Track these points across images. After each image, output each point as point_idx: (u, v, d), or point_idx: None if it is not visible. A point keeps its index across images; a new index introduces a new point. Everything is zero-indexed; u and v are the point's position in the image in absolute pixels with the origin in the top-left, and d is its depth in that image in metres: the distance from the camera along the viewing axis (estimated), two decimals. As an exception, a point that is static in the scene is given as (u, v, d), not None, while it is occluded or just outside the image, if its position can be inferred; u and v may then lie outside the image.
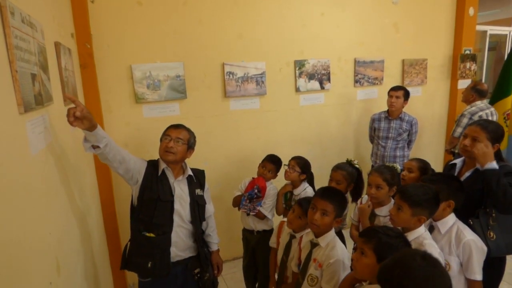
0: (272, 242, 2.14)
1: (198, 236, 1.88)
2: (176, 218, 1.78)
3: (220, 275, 2.90)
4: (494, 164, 1.69)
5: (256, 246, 2.45)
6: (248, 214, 2.38)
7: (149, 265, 1.71)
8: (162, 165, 1.79)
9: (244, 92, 3.02)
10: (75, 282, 1.37)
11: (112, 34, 2.53)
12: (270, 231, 2.38)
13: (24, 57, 1.00)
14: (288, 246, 1.93)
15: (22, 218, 0.91)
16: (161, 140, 1.82)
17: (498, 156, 1.81)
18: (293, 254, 1.87)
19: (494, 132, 1.78)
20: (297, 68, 3.22)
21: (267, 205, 2.38)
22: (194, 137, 1.91)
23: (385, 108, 3.29)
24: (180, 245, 1.81)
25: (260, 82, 3.06)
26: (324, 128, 3.49)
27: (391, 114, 3.24)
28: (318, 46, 3.29)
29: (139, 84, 2.63)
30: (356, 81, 3.56)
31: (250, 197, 2.35)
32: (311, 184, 2.46)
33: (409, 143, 3.34)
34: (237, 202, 2.47)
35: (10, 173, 0.87)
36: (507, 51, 4.55)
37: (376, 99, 3.70)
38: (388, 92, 3.22)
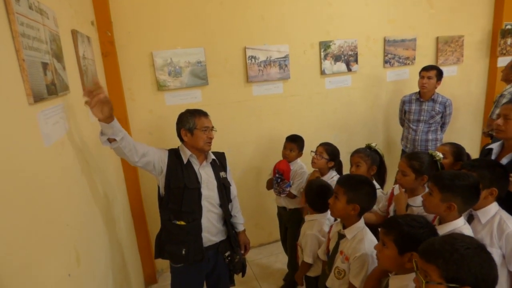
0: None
1: (228, 219, 1.89)
2: (205, 203, 1.78)
3: (246, 262, 2.94)
4: None
5: (287, 223, 2.52)
6: (279, 195, 2.43)
7: (183, 252, 1.73)
8: (187, 153, 1.78)
9: (267, 76, 2.92)
10: (98, 271, 1.37)
11: (132, 21, 2.50)
12: (302, 209, 2.41)
13: (33, 46, 0.97)
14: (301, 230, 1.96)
15: (36, 211, 0.89)
16: (191, 130, 1.76)
17: None
18: (302, 235, 1.93)
19: None
20: (322, 50, 3.07)
21: (296, 185, 2.41)
22: None
23: (417, 89, 3.10)
24: (211, 230, 1.82)
25: (283, 66, 2.96)
26: (351, 112, 3.34)
27: (423, 96, 3.05)
28: (344, 25, 3.11)
29: (160, 71, 2.61)
30: (385, 62, 3.36)
31: (277, 182, 2.38)
32: (339, 172, 2.38)
33: (443, 125, 3.14)
34: (269, 185, 2.55)
35: (21, 165, 0.84)
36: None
37: (408, 80, 3.49)
38: (420, 73, 3.02)
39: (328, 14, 3.03)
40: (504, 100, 3.15)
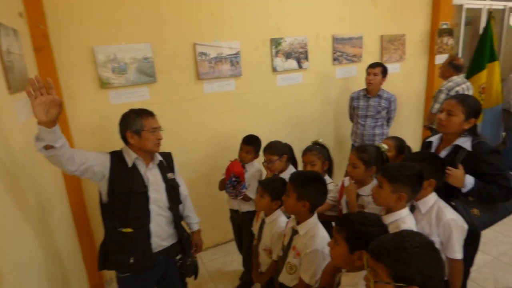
0: (254, 229, 2.08)
1: (178, 221, 1.81)
2: (153, 207, 1.69)
3: (202, 263, 2.88)
4: (468, 182, 1.68)
5: (241, 225, 2.47)
6: (235, 198, 2.36)
7: (131, 260, 1.63)
8: (132, 156, 1.67)
9: (218, 73, 2.86)
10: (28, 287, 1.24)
11: (70, 13, 2.30)
12: (255, 212, 2.34)
13: None
14: (260, 231, 1.90)
15: None
16: (138, 132, 1.65)
17: (473, 131, 1.78)
18: (263, 239, 1.84)
19: (471, 106, 1.74)
20: (273, 47, 3.08)
21: (252, 187, 2.34)
22: None
23: (365, 86, 3.22)
24: (161, 234, 1.74)
25: (234, 63, 2.92)
26: (303, 108, 3.40)
27: (370, 92, 3.18)
28: (294, 23, 3.15)
29: (103, 68, 2.44)
30: (334, 59, 3.46)
31: (232, 185, 2.30)
32: (295, 166, 2.41)
33: (388, 120, 3.30)
34: (222, 185, 2.45)
35: None
36: (482, 25, 4.54)
37: (355, 76, 3.63)
38: (366, 70, 3.15)
39: (278, 11, 3.04)
40: (442, 95, 3.39)
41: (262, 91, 3.12)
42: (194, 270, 1.92)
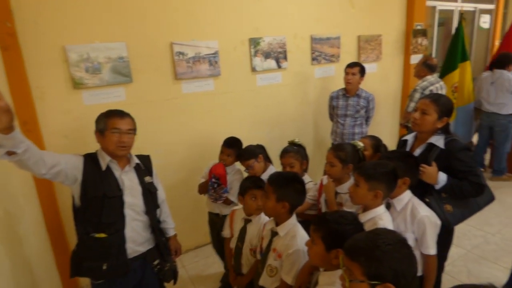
0: (226, 232, 2.04)
1: (155, 226, 1.77)
2: (129, 212, 1.64)
3: (182, 266, 2.84)
4: (441, 179, 1.73)
5: (221, 229, 2.37)
6: (216, 202, 2.31)
7: (105, 267, 1.57)
8: (106, 158, 1.62)
9: (196, 73, 2.83)
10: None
11: (40, 10, 2.20)
12: None
13: None
14: (242, 232, 1.86)
15: None
16: (102, 131, 1.61)
17: (446, 130, 1.83)
18: (249, 240, 1.81)
19: (444, 105, 1.80)
20: (252, 47, 3.07)
21: (234, 191, 2.30)
22: (135, 121, 1.75)
23: (343, 85, 3.26)
24: (137, 240, 1.68)
25: (213, 62, 2.89)
26: (283, 108, 3.41)
27: (349, 92, 3.22)
28: (273, 22, 3.15)
29: (76, 68, 2.35)
30: (313, 59, 3.49)
31: (213, 187, 2.26)
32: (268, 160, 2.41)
33: (367, 119, 3.35)
34: (202, 189, 2.40)
35: None
36: (454, 26, 4.69)
37: (334, 76, 3.67)
38: (345, 69, 3.19)
39: (257, 10, 3.03)
40: (417, 94, 3.49)
41: (241, 91, 3.11)
42: (173, 275, 1.87)
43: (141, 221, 1.70)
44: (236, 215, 1.94)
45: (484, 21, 5.68)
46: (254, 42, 3.06)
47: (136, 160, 1.74)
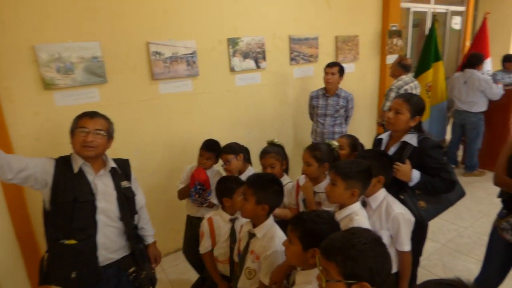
0: (206, 246, 1.90)
1: (131, 232, 1.71)
2: (101, 217, 1.58)
3: (162, 269, 2.79)
4: (414, 176, 1.77)
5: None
6: (201, 206, 2.27)
7: (73, 275, 1.51)
8: (79, 161, 1.57)
9: (174, 73, 2.78)
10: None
11: (6, 7, 2.11)
12: None
13: None
14: (233, 233, 1.82)
15: None
16: (72, 132, 1.58)
17: (418, 128, 1.89)
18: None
19: (416, 104, 1.85)
20: (230, 47, 3.05)
21: (215, 193, 2.26)
22: (112, 124, 1.70)
23: (321, 85, 3.30)
24: (110, 247, 1.63)
25: (191, 62, 2.85)
26: (262, 108, 3.41)
27: (328, 91, 3.26)
28: (251, 22, 3.14)
29: (46, 68, 2.27)
30: (292, 59, 3.51)
31: (197, 193, 2.22)
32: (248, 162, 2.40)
33: (346, 119, 3.40)
34: (183, 194, 2.35)
35: None
36: (428, 27, 4.84)
37: (312, 76, 3.71)
38: (324, 69, 3.22)
39: (235, 10, 3.02)
40: (392, 94, 3.57)
41: (220, 91, 3.09)
42: (150, 283, 1.82)
43: (115, 227, 1.64)
44: (216, 220, 1.89)
45: (456, 23, 5.90)
46: (233, 42, 3.05)
47: (112, 164, 1.69)
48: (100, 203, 1.58)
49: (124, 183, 1.70)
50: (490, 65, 4.74)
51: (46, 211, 1.56)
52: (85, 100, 2.43)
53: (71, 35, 2.34)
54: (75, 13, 2.32)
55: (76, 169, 1.56)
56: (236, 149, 2.26)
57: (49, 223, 1.54)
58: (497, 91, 3.99)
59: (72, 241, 1.50)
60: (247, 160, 2.37)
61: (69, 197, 1.50)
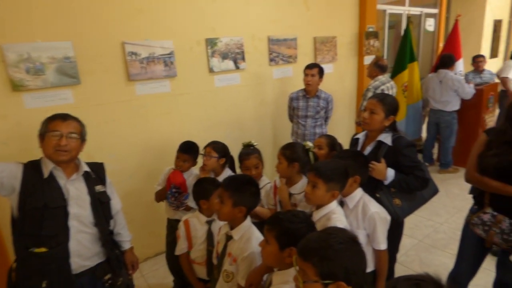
0: (181, 248, 1.89)
1: (106, 238, 1.65)
2: (74, 223, 1.53)
3: (142, 275, 2.73)
4: (389, 175, 1.81)
5: None
6: (177, 209, 2.24)
7: (44, 285, 1.45)
8: (49, 165, 1.51)
9: (151, 74, 2.73)
10: None
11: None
12: None
13: None
14: (210, 236, 1.81)
15: None
16: (42, 135, 1.51)
17: (393, 127, 1.93)
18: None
19: (390, 104, 1.89)
20: (209, 47, 3.02)
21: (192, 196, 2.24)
22: (85, 126, 1.64)
23: (301, 86, 3.31)
24: (83, 254, 1.57)
25: (168, 63, 2.80)
26: (242, 109, 3.40)
27: (308, 93, 3.26)
28: (230, 23, 3.12)
29: (15, 69, 2.17)
30: (271, 60, 3.51)
31: (173, 196, 2.20)
32: (233, 169, 2.39)
33: (326, 119, 3.42)
34: (160, 197, 2.32)
35: None
36: (403, 29, 4.96)
37: (292, 77, 3.73)
38: (304, 70, 3.22)
39: (213, 10, 2.99)
40: (369, 94, 3.63)
41: (199, 92, 3.05)
42: None
43: (89, 233, 1.59)
44: (192, 222, 1.87)
45: (429, 24, 6.08)
46: (211, 43, 3.02)
47: (86, 168, 1.63)
48: (73, 209, 1.52)
49: (99, 188, 1.65)
50: (462, 65, 4.91)
51: (14, 218, 1.49)
52: (57, 102, 2.34)
53: (40, 34, 2.25)
54: (45, 11, 2.24)
55: (46, 174, 1.50)
56: (223, 152, 2.26)
57: (18, 231, 1.48)
58: (469, 90, 4.14)
59: (43, 249, 1.45)
60: (231, 169, 2.36)
61: (38, 203, 1.44)
